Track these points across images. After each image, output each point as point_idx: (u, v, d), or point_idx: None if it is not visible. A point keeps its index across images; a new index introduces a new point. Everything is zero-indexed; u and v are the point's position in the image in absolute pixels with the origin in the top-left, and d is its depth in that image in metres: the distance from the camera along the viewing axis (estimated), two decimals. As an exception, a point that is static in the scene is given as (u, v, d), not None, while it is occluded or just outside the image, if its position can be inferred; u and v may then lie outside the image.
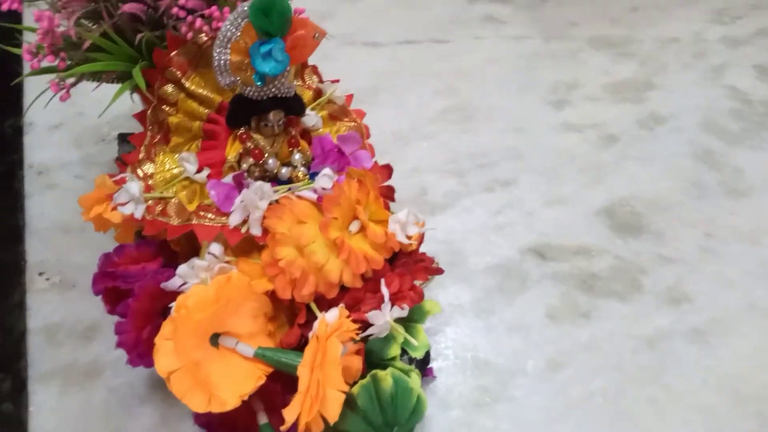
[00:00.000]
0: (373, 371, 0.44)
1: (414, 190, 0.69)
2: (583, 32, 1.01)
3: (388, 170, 0.52)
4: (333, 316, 0.43)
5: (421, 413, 0.44)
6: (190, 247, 0.48)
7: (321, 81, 0.56)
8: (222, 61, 0.46)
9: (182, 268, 0.44)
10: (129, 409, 0.47)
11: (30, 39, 0.50)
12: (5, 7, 0.48)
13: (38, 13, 0.46)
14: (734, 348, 0.56)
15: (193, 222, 0.46)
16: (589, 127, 0.81)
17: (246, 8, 0.45)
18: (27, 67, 0.73)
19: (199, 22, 0.48)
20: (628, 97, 0.88)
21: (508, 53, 0.95)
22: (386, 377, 0.43)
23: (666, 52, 0.98)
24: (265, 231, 0.45)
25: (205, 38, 0.50)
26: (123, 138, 0.64)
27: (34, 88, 0.54)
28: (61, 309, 0.54)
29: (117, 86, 0.52)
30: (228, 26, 0.45)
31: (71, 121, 0.74)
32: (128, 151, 0.59)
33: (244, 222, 0.46)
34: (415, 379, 0.45)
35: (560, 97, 0.87)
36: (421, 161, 0.74)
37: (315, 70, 0.56)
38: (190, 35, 0.49)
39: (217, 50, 0.46)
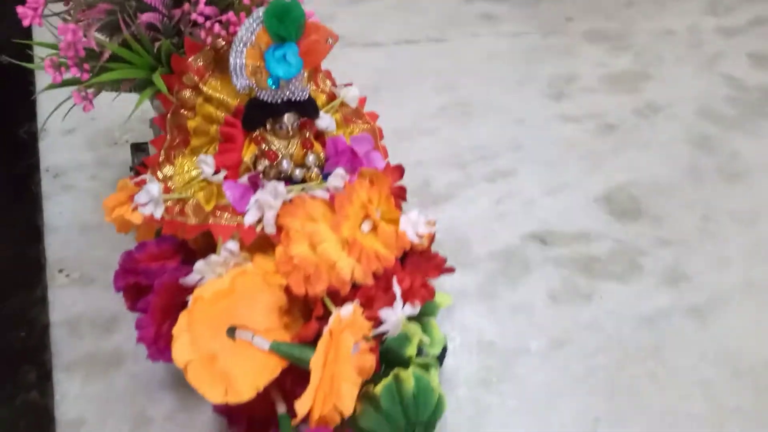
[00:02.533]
0: (396, 370, 0.44)
1: (417, 183, 0.71)
2: (579, 27, 1.03)
3: (399, 171, 0.53)
4: (348, 311, 0.44)
5: (442, 411, 0.45)
6: (207, 244, 0.50)
7: (334, 85, 0.57)
8: (238, 65, 0.47)
9: (199, 264, 0.46)
10: (150, 394, 0.49)
11: (41, 52, 0.51)
12: (27, 22, 0.49)
13: (62, 26, 0.48)
14: (732, 324, 0.57)
15: (210, 221, 0.48)
16: (587, 117, 0.83)
17: (261, 14, 0.47)
18: (40, 77, 0.76)
19: (217, 27, 0.50)
20: (625, 87, 0.90)
21: (505, 49, 0.97)
22: (408, 377, 0.44)
23: (661, 44, 1.00)
24: (279, 230, 0.47)
25: (223, 43, 0.51)
26: (137, 147, 0.66)
27: (47, 95, 0.56)
28: (82, 303, 0.56)
29: (133, 94, 0.54)
30: (244, 31, 0.47)
31: (84, 126, 0.77)
32: (141, 161, 0.60)
33: (259, 221, 0.47)
34: (434, 376, 0.45)
35: (558, 89, 0.88)
36: (423, 155, 0.76)
37: (328, 74, 0.57)
38: (209, 40, 0.50)
39: (233, 54, 0.47)
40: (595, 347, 0.55)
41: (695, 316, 0.58)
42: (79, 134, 0.76)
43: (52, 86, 0.52)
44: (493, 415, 0.49)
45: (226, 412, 0.46)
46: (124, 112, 0.55)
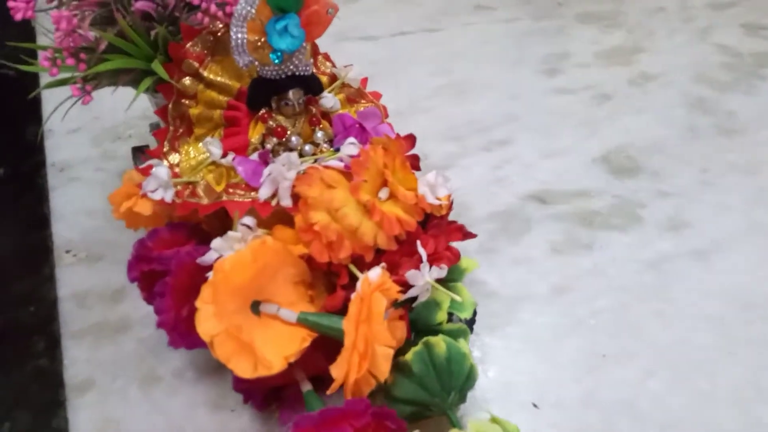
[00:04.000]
0: (425, 338, 0.43)
1: (415, 156, 0.72)
2: (571, 10, 1.04)
3: (411, 139, 0.52)
4: (376, 273, 0.42)
5: (474, 380, 0.43)
6: (221, 226, 0.48)
7: (334, 66, 0.56)
8: (239, 40, 0.46)
9: (216, 242, 0.44)
10: (158, 354, 0.50)
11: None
12: (19, 17, 0.48)
13: (56, 14, 0.47)
14: (737, 264, 0.57)
15: (224, 199, 0.47)
16: (582, 89, 0.84)
17: None
18: (44, 78, 0.77)
19: (213, 7, 0.49)
20: (619, 61, 0.90)
21: (498, 35, 0.98)
22: (439, 342, 0.42)
23: (653, 20, 1.01)
24: (295, 202, 0.46)
25: (220, 26, 0.51)
26: (137, 150, 0.66)
27: (52, 96, 0.58)
28: (89, 279, 0.57)
29: (132, 89, 0.53)
30: (243, 4, 0.46)
31: (88, 125, 0.79)
32: (142, 161, 0.59)
33: (274, 195, 0.46)
34: (464, 345, 0.44)
35: (552, 66, 0.89)
36: (420, 132, 0.76)
37: (327, 56, 0.57)
38: (206, 21, 0.49)
39: (234, 29, 0.46)
40: (598, 291, 0.54)
41: (699, 259, 0.58)
42: (84, 133, 0.78)
43: (52, 84, 0.52)
44: (499, 356, 0.49)
45: (247, 388, 0.44)
46: (128, 111, 0.56)
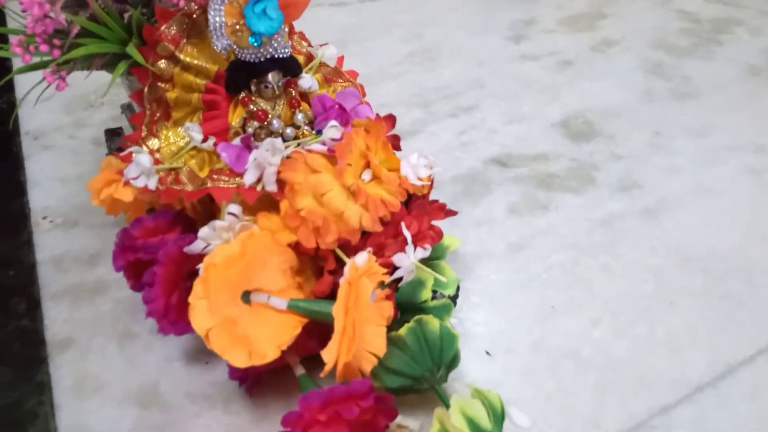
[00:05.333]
0: (418, 316, 0.44)
1: (383, 121, 0.74)
2: (539, -23, 1.06)
3: (391, 120, 0.52)
4: (362, 258, 0.43)
5: (458, 361, 0.45)
6: (206, 212, 0.49)
7: (310, 45, 0.56)
8: (218, 23, 0.46)
9: (204, 230, 0.45)
10: (135, 315, 0.52)
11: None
12: None
13: (28, 0, 0.45)
14: (681, 221, 0.61)
15: (209, 185, 0.47)
16: (546, 55, 0.87)
17: None
18: (16, 59, 0.75)
19: None
20: (582, 27, 0.93)
21: (467, 1, 1.00)
22: (432, 320, 0.44)
23: (618, -14, 1.03)
24: (281, 187, 0.46)
25: (195, 7, 0.50)
26: (111, 133, 0.65)
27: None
28: (65, 243, 0.59)
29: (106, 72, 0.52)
30: None
31: (60, 93, 0.79)
32: (117, 145, 0.60)
33: (259, 180, 0.46)
34: (447, 322, 0.45)
35: (518, 33, 0.92)
36: (389, 98, 0.79)
37: (302, 35, 0.56)
38: (182, 3, 0.48)
39: (212, 12, 0.46)
40: (551, 248, 0.58)
41: (647, 217, 0.61)
42: (56, 101, 0.79)
43: (23, 69, 0.51)
44: (457, 310, 0.52)
45: (243, 375, 0.45)
46: (98, 77, 0.56)
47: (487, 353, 0.49)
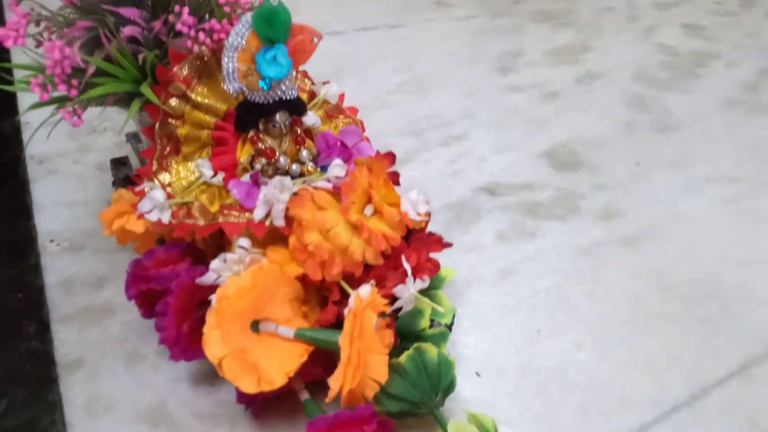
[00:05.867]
0: (417, 344, 0.47)
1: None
2: (526, 8, 1.11)
3: (391, 157, 0.55)
4: (366, 291, 0.46)
5: (454, 387, 0.48)
6: (215, 245, 0.52)
7: (313, 83, 0.59)
8: (230, 69, 0.49)
9: (215, 263, 0.48)
10: (143, 336, 0.54)
11: (18, 74, 0.52)
12: (10, 43, 0.50)
13: (49, 44, 0.48)
14: (660, 249, 0.64)
15: (220, 220, 0.49)
16: (532, 87, 0.91)
17: (250, 18, 0.48)
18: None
19: (201, 35, 0.51)
20: (567, 59, 0.97)
21: (457, 32, 1.04)
22: (430, 348, 0.47)
23: (602, 20, 1.08)
24: (288, 222, 0.49)
25: (206, 51, 0.53)
26: (117, 162, 0.67)
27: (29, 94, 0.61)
28: (73, 266, 0.61)
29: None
30: (234, 36, 0.49)
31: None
32: (123, 175, 0.64)
33: (267, 216, 0.49)
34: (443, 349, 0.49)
35: (505, 64, 0.96)
36: (383, 126, 0.82)
37: (306, 74, 0.59)
38: (195, 48, 0.51)
39: (225, 59, 0.49)
40: (538, 274, 0.61)
41: (627, 245, 0.65)
42: (60, 125, 0.81)
43: (37, 105, 0.54)
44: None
45: (250, 400, 0.48)
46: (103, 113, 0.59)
47: (478, 374, 0.52)
